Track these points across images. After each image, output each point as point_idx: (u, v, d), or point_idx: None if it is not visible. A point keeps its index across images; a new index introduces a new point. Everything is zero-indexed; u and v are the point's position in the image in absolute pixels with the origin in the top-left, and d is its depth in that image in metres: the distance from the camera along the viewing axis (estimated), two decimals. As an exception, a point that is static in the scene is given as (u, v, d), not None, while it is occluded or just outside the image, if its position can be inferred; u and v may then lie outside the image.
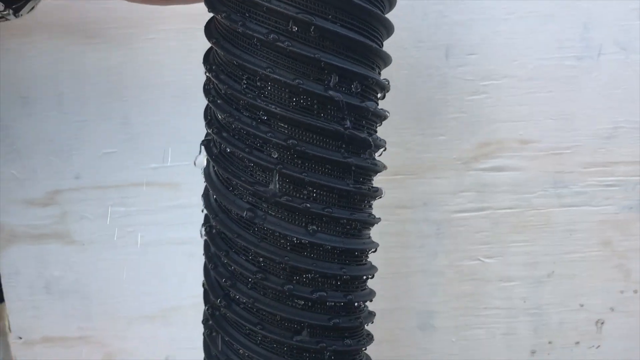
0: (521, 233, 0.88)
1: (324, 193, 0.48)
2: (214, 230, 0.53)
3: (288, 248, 0.48)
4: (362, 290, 0.55)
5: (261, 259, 0.49)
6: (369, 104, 0.48)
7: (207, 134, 0.54)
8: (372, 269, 0.54)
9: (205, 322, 0.58)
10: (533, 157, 0.85)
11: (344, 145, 0.47)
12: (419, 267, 0.90)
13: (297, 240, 0.47)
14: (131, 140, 0.86)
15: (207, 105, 0.52)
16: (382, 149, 0.52)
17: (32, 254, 0.92)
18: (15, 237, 0.91)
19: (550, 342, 0.92)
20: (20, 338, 0.95)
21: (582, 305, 0.90)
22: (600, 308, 0.90)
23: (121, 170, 0.88)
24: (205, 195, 0.55)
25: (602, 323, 0.91)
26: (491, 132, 0.84)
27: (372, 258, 0.58)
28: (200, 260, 0.57)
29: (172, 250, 0.90)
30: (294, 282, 0.49)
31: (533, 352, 0.92)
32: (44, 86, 0.86)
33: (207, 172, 0.54)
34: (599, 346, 0.92)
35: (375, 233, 0.60)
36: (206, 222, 0.56)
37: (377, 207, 0.62)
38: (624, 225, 0.87)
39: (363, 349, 0.55)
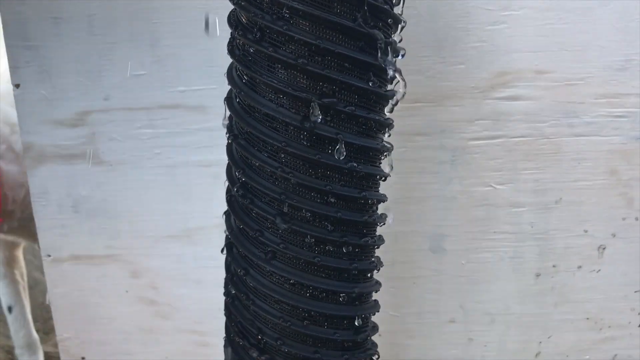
0: (532, 161, 0.92)
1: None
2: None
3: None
4: (375, 190, 0.60)
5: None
6: None
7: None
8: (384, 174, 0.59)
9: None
10: (547, 87, 0.89)
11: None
12: (433, 193, 0.94)
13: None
14: (159, 62, 0.89)
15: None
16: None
17: (61, 173, 0.95)
18: (45, 157, 0.94)
19: (554, 266, 0.97)
20: (49, 256, 0.99)
21: (586, 231, 0.95)
22: (603, 234, 0.96)
23: (149, 92, 0.90)
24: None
25: (604, 248, 0.96)
26: (509, 62, 0.88)
27: (388, 183, 0.63)
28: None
29: (198, 172, 0.94)
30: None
31: (538, 275, 0.98)
32: (75, 7, 0.87)
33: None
34: (599, 270, 0.97)
35: (393, 160, 0.64)
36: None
37: (395, 134, 0.66)
38: (631, 155, 0.92)
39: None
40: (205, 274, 0.99)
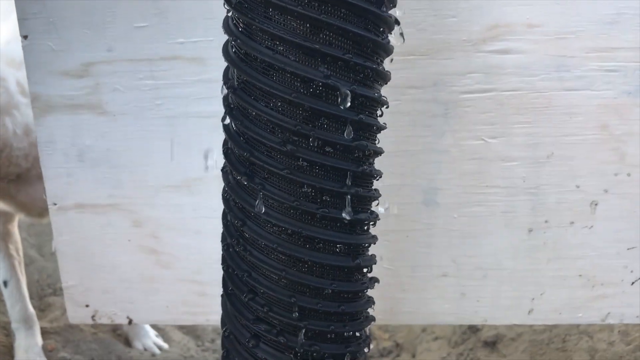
0: (524, 115, 0.93)
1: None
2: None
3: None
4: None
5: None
6: None
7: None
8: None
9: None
10: (538, 41, 0.90)
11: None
12: (426, 146, 0.96)
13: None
14: (161, 14, 0.92)
15: None
16: None
17: (66, 123, 0.98)
18: (51, 107, 0.98)
19: (546, 221, 0.98)
20: (55, 204, 1.03)
21: (578, 187, 0.96)
22: (595, 189, 0.96)
23: (151, 44, 0.93)
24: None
25: (596, 204, 0.97)
26: (500, 15, 0.89)
27: (381, 136, 0.67)
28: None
29: (198, 123, 0.97)
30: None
31: (530, 231, 0.99)
32: (80, -39, 0.91)
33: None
34: (592, 226, 0.98)
35: (387, 113, 0.67)
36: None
37: (389, 87, 0.69)
38: (622, 109, 0.92)
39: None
40: (204, 225, 1.02)
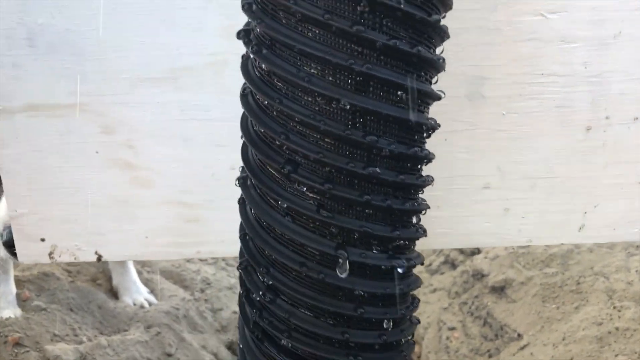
0: (591, -18, 0.77)
1: None
2: None
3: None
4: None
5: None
6: None
7: None
8: None
9: None
10: None
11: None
12: (473, 22, 0.78)
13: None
14: None
15: None
16: None
17: (11, -6, 0.75)
18: (-11, -29, 0.74)
19: (607, 118, 0.83)
20: (-3, 106, 0.80)
21: (646, 74, 0.82)
22: (666, 78, 0.82)
23: None
24: None
25: (665, 95, 0.83)
26: None
27: None
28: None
29: (187, -8, 0.76)
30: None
31: (588, 129, 0.84)
32: None
33: None
34: (657, 123, 0.84)
35: None
36: None
37: None
38: None
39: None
40: (194, 129, 0.81)
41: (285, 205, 0.54)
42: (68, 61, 0.78)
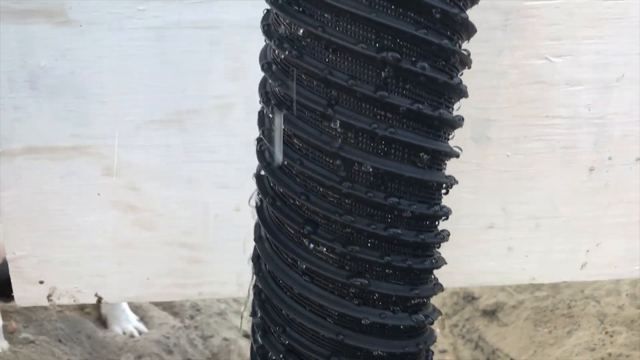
0: (595, 27, 0.78)
1: None
2: None
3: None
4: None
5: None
6: None
7: None
8: None
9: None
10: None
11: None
12: (480, 66, 0.78)
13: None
14: None
15: None
16: None
17: (12, 36, 0.74)
18: (-9, 13, 0.73)
19: (610, 158, 0.84)
20: (-3, 148, 0.78)
21: (647, 116, 0.82)
22: (667, 119, 0.83)
23: None
24: None
25: (666, 138, 0.84)
26: None
27: None
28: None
29: (193, 36, 0.75)
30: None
31: (591, 170, 0.84)
32: None
33: None
34: (659, 164, 0.85)
35: None
36: None
37: None
38: None
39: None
40: (199, 171, 0.80)
41: (304, 266, 0.54)
42: (71, 104, 0.76)
